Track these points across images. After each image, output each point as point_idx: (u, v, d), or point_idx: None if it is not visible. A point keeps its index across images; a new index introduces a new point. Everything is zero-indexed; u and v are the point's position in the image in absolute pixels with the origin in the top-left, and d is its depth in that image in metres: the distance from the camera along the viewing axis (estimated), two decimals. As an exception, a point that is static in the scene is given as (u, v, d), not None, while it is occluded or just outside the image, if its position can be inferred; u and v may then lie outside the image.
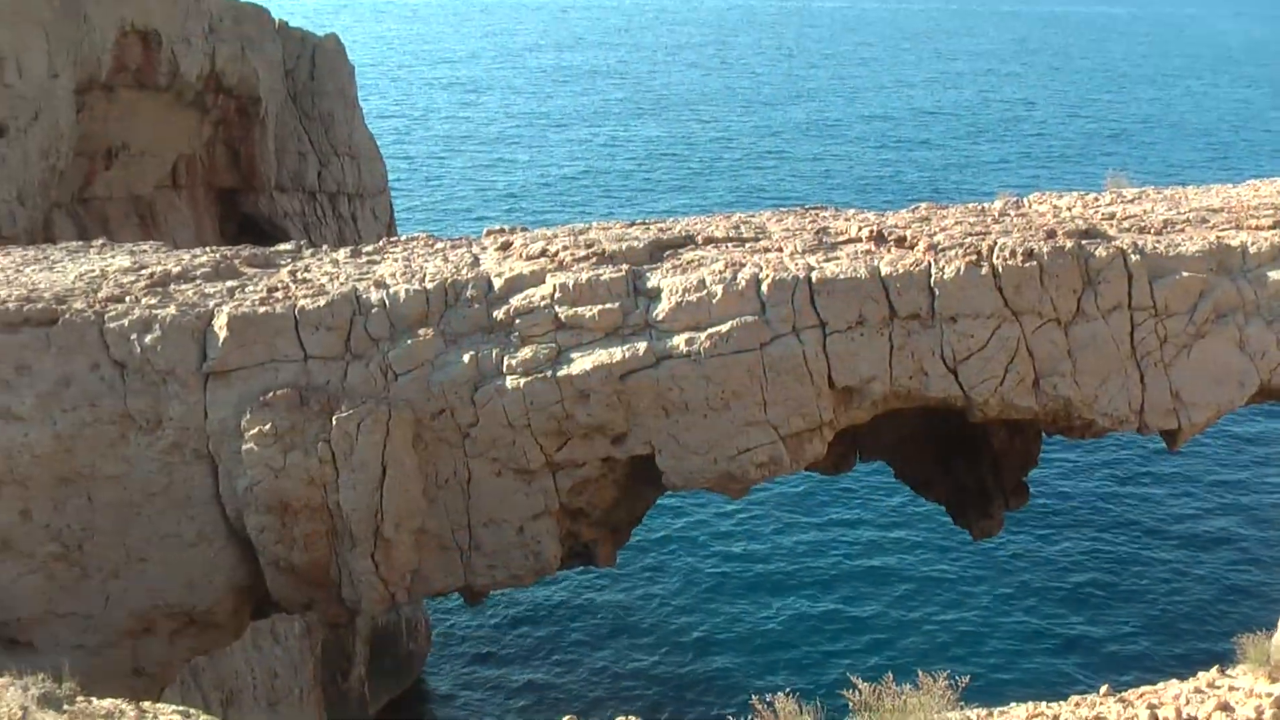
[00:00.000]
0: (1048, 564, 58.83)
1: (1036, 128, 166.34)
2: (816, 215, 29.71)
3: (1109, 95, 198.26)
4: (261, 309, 24.12)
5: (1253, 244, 26.94)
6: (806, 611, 55.50)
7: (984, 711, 21.29)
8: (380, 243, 29.07)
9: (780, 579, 57.83)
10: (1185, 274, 26.08)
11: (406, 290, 24.65)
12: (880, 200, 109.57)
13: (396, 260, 26.88)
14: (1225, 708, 20.44)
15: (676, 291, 24.53)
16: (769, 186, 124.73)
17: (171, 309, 24.12)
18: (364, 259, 27.30)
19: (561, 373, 24.04)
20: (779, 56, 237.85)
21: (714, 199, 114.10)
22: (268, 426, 23.32)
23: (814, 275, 24.74)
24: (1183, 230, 27.78)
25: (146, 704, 18.89)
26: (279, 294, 24.83)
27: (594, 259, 25.48)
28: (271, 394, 23.54)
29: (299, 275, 26.01)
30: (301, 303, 24.31)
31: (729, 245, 26.79)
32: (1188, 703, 20.99)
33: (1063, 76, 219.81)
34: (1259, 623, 25.27)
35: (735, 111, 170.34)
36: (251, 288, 25.34)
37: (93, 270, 26.50)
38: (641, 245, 26.14)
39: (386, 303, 24.49)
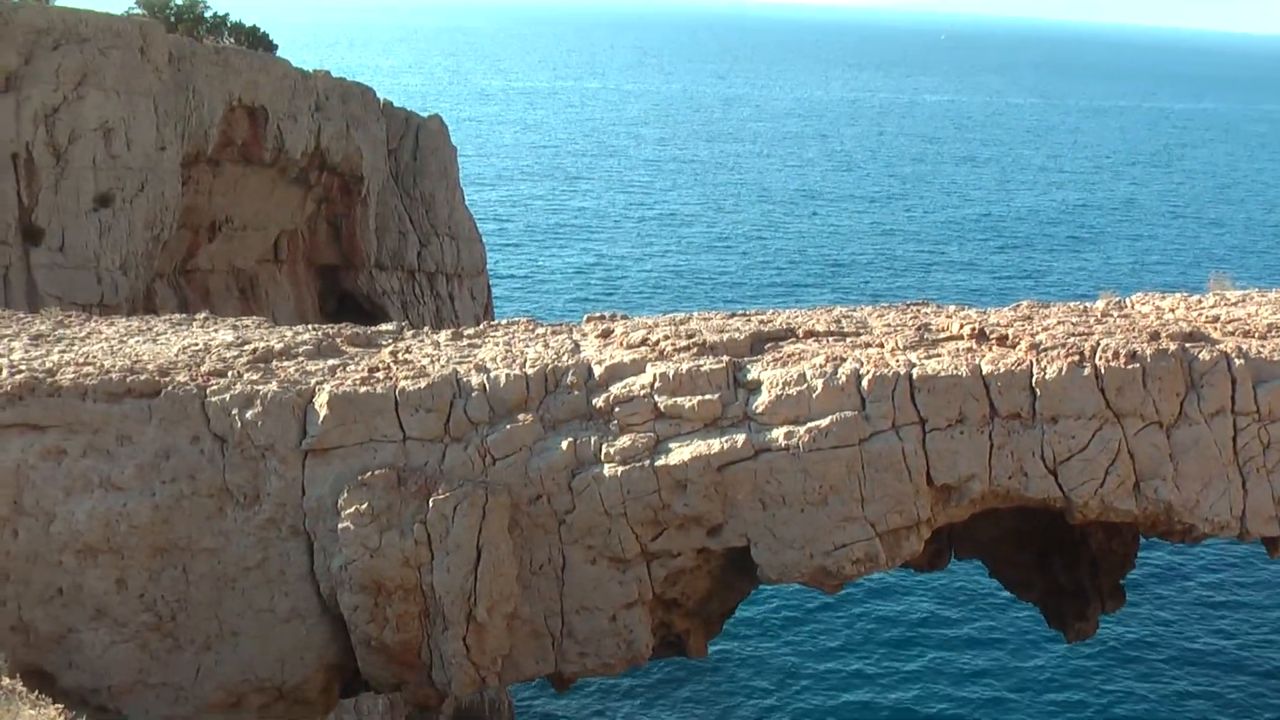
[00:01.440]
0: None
1: (1140, 228, 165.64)
2: (918, 311, 29.61)
3: (1213, 195, 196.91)
4: (362, 389, 24.25)
5: (1359, 350, 26.60)
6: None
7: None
8: (481, 326, 29.21)
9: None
10: (1290, 379, 25.77)
11: (507, 375, 24.72)
12: (982, 297, 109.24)
13: (498, 344, 26.97)
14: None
15: (776, 384, 24.47)
16: (871, 281, 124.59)
17: (273, 385, 24.31)
18: (465, 342, 27.42)
19: (659, 462, 24.00)
20: (881, 151, 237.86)
21: (815, 293, 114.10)
22: (364, 506, 23.40)
23: (915, 372, 24.63)
24: (1288, 335, 27.49)
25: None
26: (380, 374, 24.96)
27: (695, 349, 25.48)
28: (369, 473, 23.63)
29: (400, 356, 26.14)
30: (402, 384, 24.43)
31: (830, 339, 26.73)
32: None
33: (1166, 175, 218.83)
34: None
35: (838, 206, 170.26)
36: (353, 367, 25.50)
37: (196, 344, 26.75)
38: (742, 337, 26.12)
39: (487, 386, 24.57)
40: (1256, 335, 27.36)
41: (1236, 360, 25.71)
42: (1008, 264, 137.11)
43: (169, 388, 24.06)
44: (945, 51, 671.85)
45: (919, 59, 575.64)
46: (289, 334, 27.96)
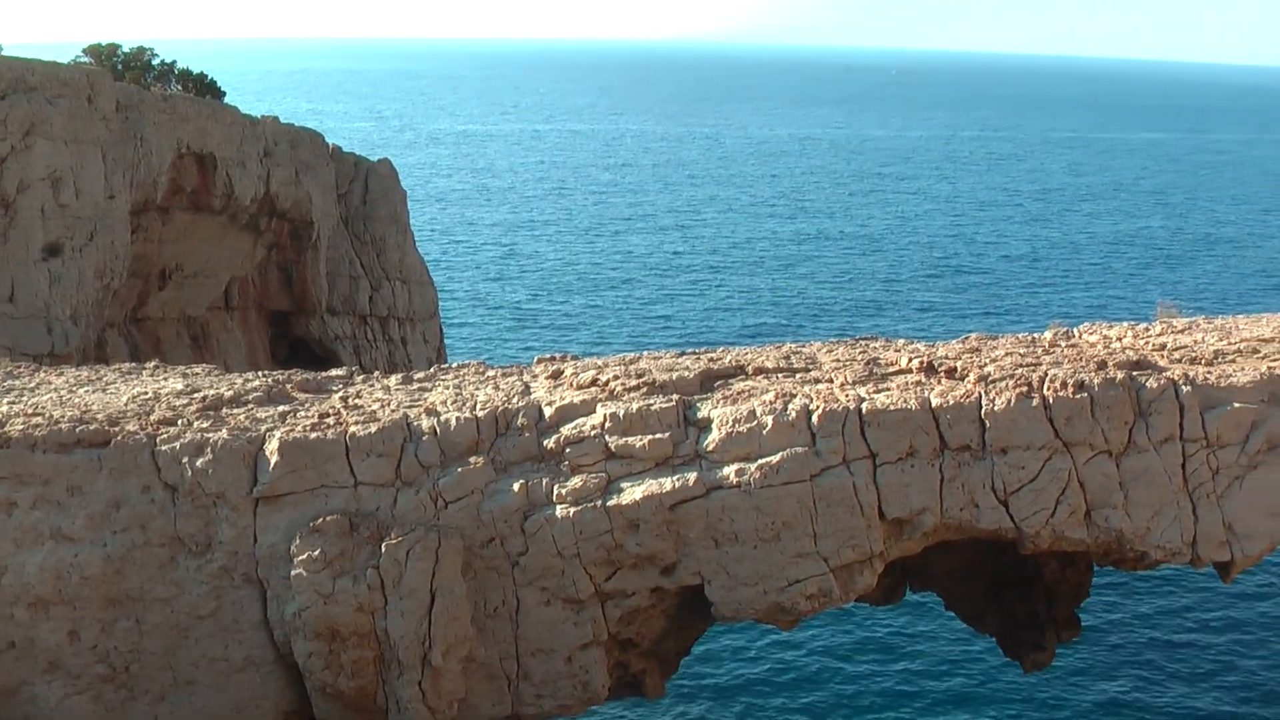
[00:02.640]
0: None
1: (1088, 257, 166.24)
2: (867, 346, 29.75)
3: (1160, 224, 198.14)
4: (313, 434, 24.22)
5: (1304, 375, 26.81)
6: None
7: None
8: (431, 370, 29.23)
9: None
10: (1237, 405, 25.93)
11: (458, 418, 24.74)
12: (933, 330, 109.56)
13: (448, 387, 26.99)
14: None
15: (727, 422, 24.55)
16: (821, 316, 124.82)
17: (223, 433, 24.28)
18: (415, 386, 27.42)
19: (612, 502, 24.04)
20: (829, 185, 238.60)
21: (765, 330, 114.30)
22: (317, 552, 23.36)
23: (864, 406, 24.74)
24: (1234, 361, 27.66)
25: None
26: (330, 420, 24.94)
27: (645, 389, 25.54)
28: (322, 520, 23.59)
29: (351, 401, 26.13)
30: (353, 429, 24.41)
31: (779, 376, 26.82)
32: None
33: (1113, 205, 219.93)
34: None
35: (790, 244, 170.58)
36: (303, 413, 25.47)
37: (146, 393, 26.69)
38: (692, 375, 26.19)
39: (438, 430, 24.58)
40: (1203, 362, 27.56)
41: (1184, 387, 25.90)
42: (958, 297, 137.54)
43: (119, 437, 24.00)
44: (896, 86, 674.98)
45: (870, 95, 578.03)
46: (239, 381, 27.92)
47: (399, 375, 28.64)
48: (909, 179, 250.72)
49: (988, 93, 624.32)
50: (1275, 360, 27.70)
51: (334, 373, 29.03)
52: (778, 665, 58.82)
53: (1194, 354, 28.08)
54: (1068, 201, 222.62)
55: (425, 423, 24.74)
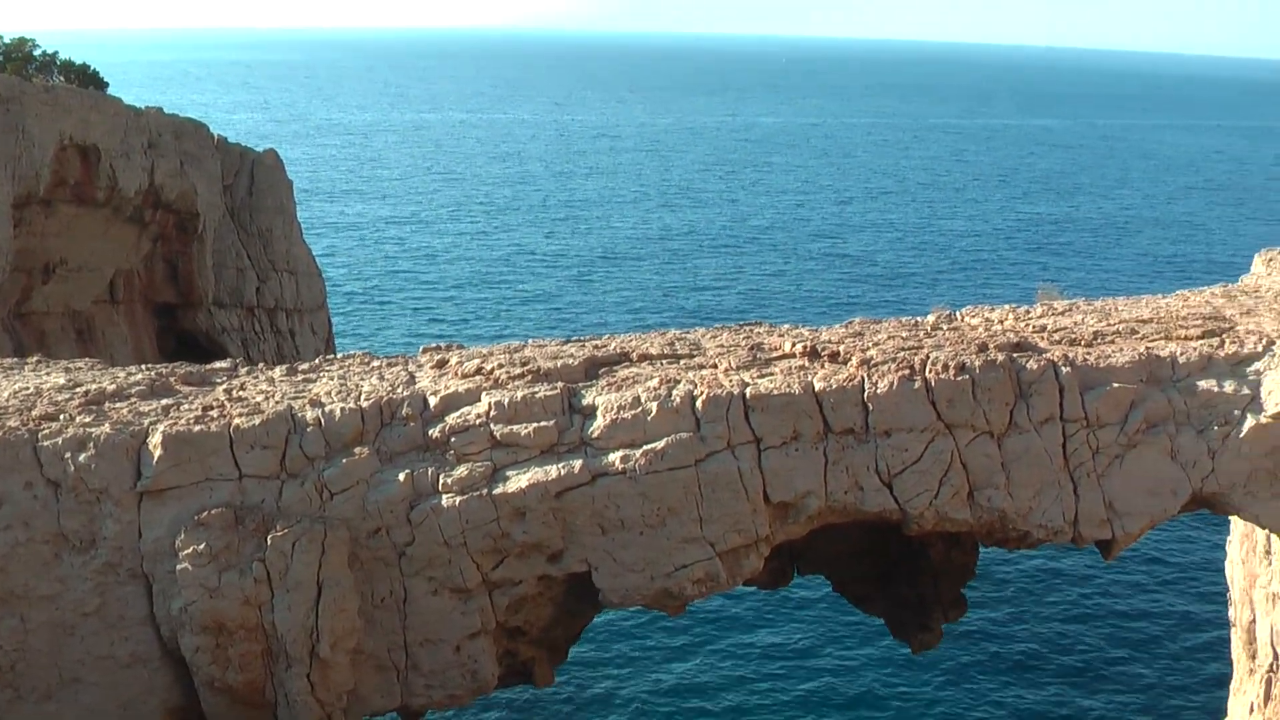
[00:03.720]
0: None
1: (972, 242, 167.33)
2: (751, 331, 29.87)
3: (1045, 209, 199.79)
4: (196, 428, 24.06)
5: (1182, 354, 27.23)
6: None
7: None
8: (316, 360, 29.08)
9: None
10: (1116, 385, 26.31)
11: (342, 409, 24.66)
12: (815, 316, 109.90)
13: (332, 379, 26.87)
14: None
15: (611, 409, 24.62)
16: (706, 303, 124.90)
17: (106, 427, 24.06)
18: (300, 377, 27.28)
19: (497, 491, 24.05)
20: (717, 172, 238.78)
21: (653, 318, 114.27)
22: (202, 546, 23.22)
23: (748, 391, 24.87)
24: (1113, 342, 28.05)
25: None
26: (214, 413, 24.78)
27: (529, 377, 25.55)
28: (206, 513, 23.45)
29: (234, 394, 25.97)
30: (237, 421, 24.27)
31: (664, 362, 26.92)
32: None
33: (998, 191, 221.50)
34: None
35: (680, 235, 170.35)
36: (187, 406, 25.28)
37: (27, 388, 26.40)
38: (576, 363, 26.23)
39: (322, 421, 24.49)
40: (1083, 343, 27.92)
41: (1064, 369, 26.24)
42: (845, 282, 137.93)
43: (0, 433, 23.74)
44: (784, 75, 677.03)
45: (759, 83, 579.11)
46: (121, 375, 27.65)
47: (283, 367, 28.48)
48: (797, 169, 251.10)
49: (881, 80, 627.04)
50: (1154, 341, 28.12)
51: (218, 365, 28.82)
52: (677, 674, 58.82)
53: (1074, 335, 28.43)
54: (954, 188, 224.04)
55: (310, 414, 24.64)
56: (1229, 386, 26.97)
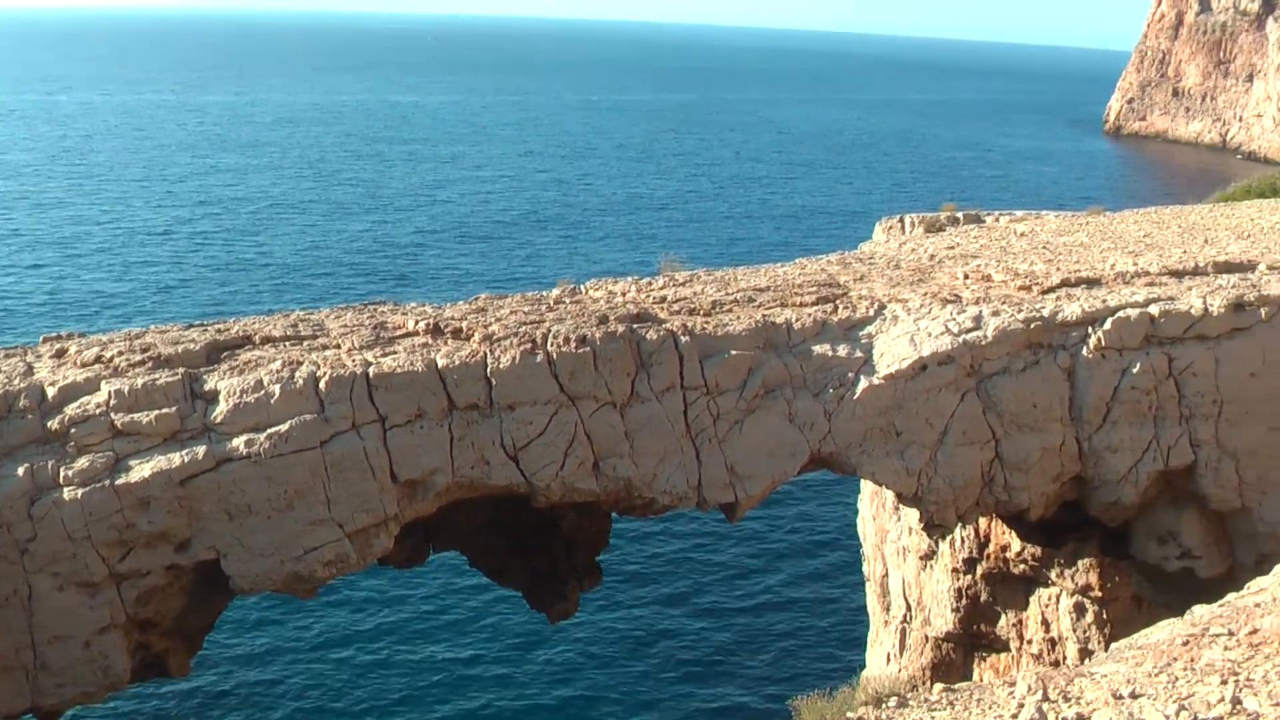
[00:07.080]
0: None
1: (604, 217, 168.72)
2: (375, 310, 29.95)
3: (677, 184, 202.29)
4: None
5: (797, 320, 28.23)
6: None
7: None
8: (-72, 355, 28.24)
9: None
10: (734, 352, 27.14)
11: (-45, 404, 24.06)
12: (443, 294, 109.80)
13: (-55, 374, 26.16)
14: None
15: (234, 393, 24.50)
16: (335, 285, 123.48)
17: None
18: (-89, 373, 26.50)
19: (120, 481, 23.69)
20: (358, 152, 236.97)
21: (277, 300, 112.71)
22: None
23: (371, 370, 25.00)
24: (730, 310, 28.91)
25: None
26: None
27: (150, 363, 25.25)
28: None
29: None
30: None
31: (287, 344, 26.86)
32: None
33: (631, 166, 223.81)
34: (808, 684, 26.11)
35: (313, 213, 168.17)
36: None
37: None
38: (198, 347, 26.00)
39: (-66, 418, 23.87)
40: (702, 313, 28.73)
41: (683, 338, 26.95)
42: (472, 258, 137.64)
43: None
44: (431, 51, 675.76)
45: (401, 60, 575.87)
46: None
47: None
48: (439, 144, 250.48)
49: (522, 60, 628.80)
50: (770, 308, 29.08)
51: None
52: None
53: (693, 305, 29.22)
54: (589, 164, 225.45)
55: (-80, 411, 24.00)
56: (842, 350, 28.11)
